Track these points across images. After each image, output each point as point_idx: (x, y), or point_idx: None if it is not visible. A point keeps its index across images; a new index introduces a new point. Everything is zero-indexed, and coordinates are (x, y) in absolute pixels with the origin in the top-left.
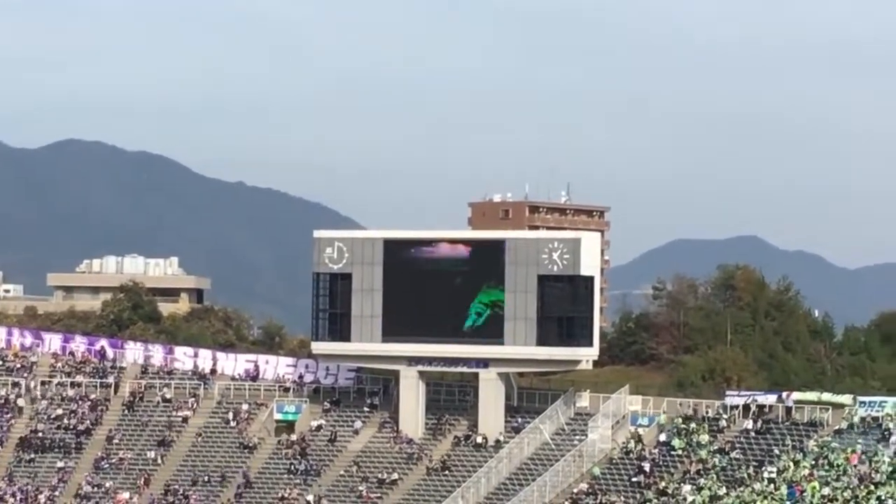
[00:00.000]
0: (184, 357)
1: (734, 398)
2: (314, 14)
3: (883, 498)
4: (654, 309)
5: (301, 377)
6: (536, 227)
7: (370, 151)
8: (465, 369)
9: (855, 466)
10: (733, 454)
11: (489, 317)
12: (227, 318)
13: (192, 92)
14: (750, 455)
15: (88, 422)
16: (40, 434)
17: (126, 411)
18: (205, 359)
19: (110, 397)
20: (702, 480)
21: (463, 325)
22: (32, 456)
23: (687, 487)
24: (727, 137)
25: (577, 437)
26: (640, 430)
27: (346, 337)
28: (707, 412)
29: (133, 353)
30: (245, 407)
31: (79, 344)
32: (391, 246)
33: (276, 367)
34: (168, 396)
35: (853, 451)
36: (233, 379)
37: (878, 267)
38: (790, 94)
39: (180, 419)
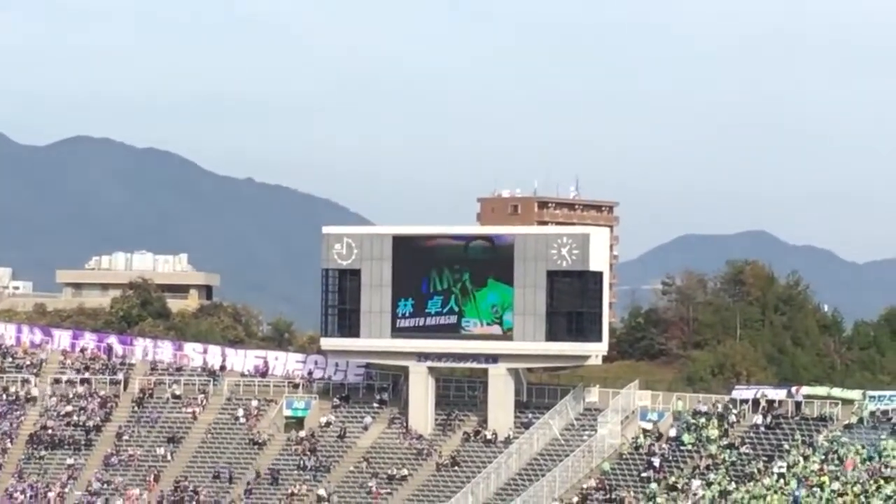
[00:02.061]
0: (193, 353)
1: (743, 392)
2: (322, 12)
3: (892, 494)
4: (663, 304)
5: (310, 373)
6: (545, 223)
7: (379, 148)
8: (474, 365)
9: (864, 462)
10: (743, 449)
11: (498, 312)
12: (236, 314)
13: (201, 88)
14: (759, 450)
15: (98, 418)
16: (50, 430)
17: (135, 408)
18: (214, 355)
19: (119, 394)
20: (711, 475)
21: (472, 321)
22: (42, 452)
23: (696, 482)
24: (735, 132)
25: (587, 433)
26: (650, 426)
27: (355, 333)
28: (716, 407)
29: (142, 349)
30: (254, 403)
31: (88, 341)
32: (400, 241)
33: (286, 363)
34: (177, 393)
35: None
36: (242, 375)
37: (888, 261)
38: (798, 90)
39: (190, 415)
